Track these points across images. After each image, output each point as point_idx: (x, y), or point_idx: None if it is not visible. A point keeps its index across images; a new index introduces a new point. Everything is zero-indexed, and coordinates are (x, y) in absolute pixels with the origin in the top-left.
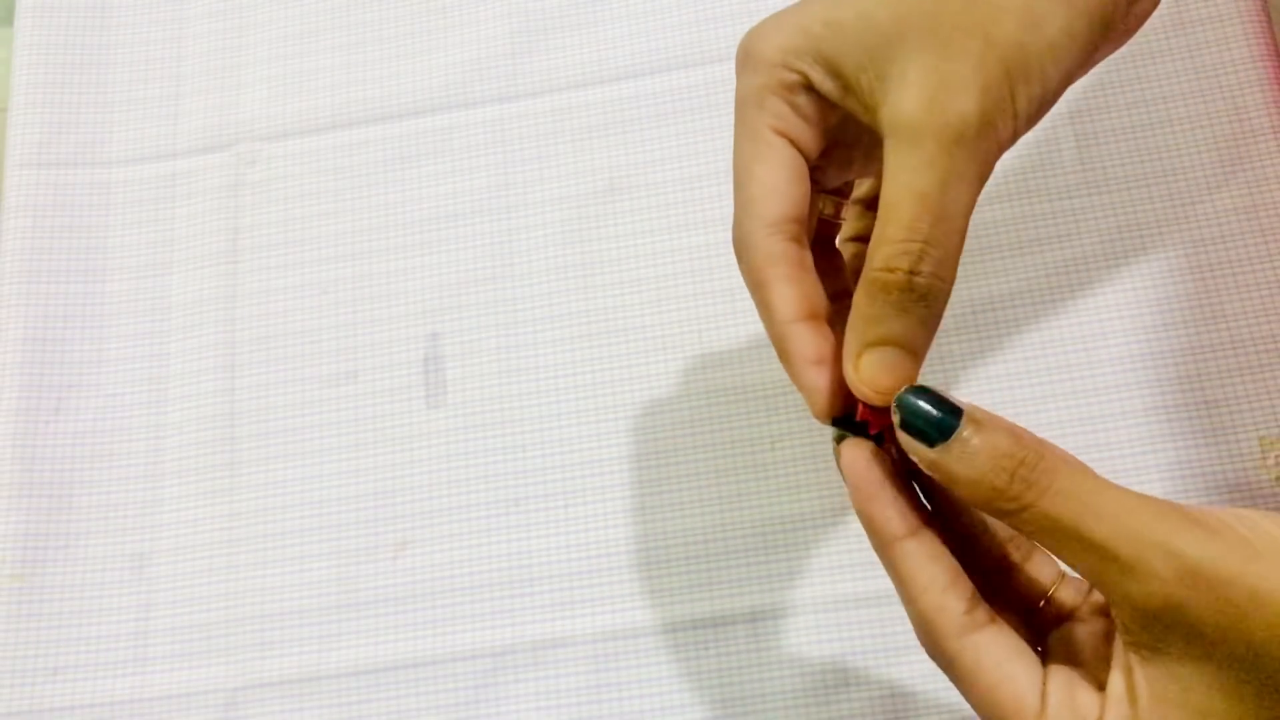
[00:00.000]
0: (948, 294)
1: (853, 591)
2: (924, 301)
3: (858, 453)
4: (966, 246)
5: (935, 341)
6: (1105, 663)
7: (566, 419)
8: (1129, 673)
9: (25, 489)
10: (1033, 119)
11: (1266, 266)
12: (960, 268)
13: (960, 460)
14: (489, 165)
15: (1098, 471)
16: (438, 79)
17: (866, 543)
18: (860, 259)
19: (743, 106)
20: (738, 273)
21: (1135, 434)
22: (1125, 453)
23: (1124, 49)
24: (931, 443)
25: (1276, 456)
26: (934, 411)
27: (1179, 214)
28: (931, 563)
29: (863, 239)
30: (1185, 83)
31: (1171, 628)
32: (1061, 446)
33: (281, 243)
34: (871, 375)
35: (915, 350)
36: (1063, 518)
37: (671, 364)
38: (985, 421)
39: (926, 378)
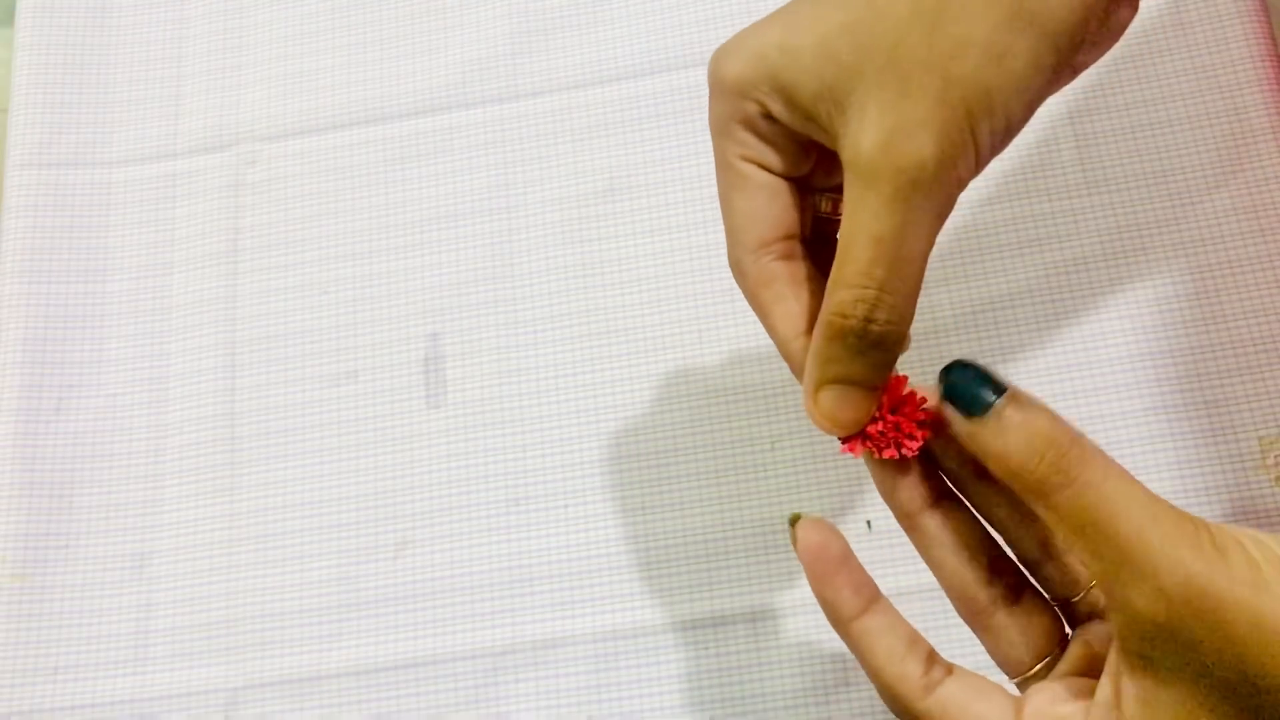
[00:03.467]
0: (904, 336)
1: None
2: (879, 347)
3: (811, 535)
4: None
5: (935, 341)
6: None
7: (566, 419)
8: (1117, 679)
9: (25, 489)
10: (996, 150)
11: (1266, 266)
12: (960, 268)
13: (996, 434)
14: (489, 165)
15: None
16: (438, 79)
17: (866, 543)
18: None
19: (713, 135)
20: None
21: (1135, 434)
22: (1125, 452)
23: (1124, 49)
24: (971, 415)
25: (1276, 456)
26: (977, 384)
27: (1178, 214)
28: (887, 635)
29: None
30: (1185, 83)
31: (1168, 642)
32: None
33: (281, 243)
34: (830, 410)
35: (872, 385)
36: (1086, 510)
37: (671, 364)
38: (1027, 402)
39: (927, 380)
